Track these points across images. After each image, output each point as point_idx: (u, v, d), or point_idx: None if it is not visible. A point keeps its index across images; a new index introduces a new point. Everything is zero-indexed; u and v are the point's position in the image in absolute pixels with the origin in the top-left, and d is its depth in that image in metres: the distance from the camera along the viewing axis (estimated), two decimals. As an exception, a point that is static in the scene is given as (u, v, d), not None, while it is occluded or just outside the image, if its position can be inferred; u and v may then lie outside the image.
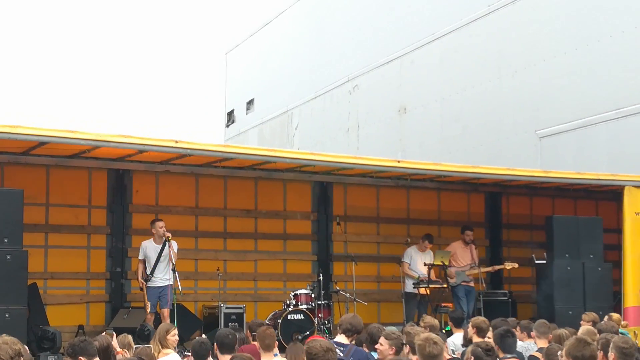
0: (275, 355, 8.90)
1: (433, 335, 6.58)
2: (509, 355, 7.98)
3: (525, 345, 9.94)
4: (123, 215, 14.84)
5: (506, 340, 8.11)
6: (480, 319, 9.92)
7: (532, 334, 10.08)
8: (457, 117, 20.98)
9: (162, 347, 9.36)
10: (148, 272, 13.16)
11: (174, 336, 9.43)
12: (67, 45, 40.48)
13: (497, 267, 16.26)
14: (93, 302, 14.63)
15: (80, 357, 7.01)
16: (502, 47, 19.78)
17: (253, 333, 9.74)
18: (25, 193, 11.94)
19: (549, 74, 18.43)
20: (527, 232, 18.05)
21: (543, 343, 9.39)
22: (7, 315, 11.16)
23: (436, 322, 10.45)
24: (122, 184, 14.85)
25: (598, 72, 17.40)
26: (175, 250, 13.24)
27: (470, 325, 9.90)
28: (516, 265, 16.06)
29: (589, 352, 6.51)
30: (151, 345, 12.11)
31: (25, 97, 38.39)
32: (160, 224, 13.32)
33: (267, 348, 8.17)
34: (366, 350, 8.32)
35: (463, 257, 15.76)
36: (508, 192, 17.92)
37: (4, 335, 6.11)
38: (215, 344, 8.13)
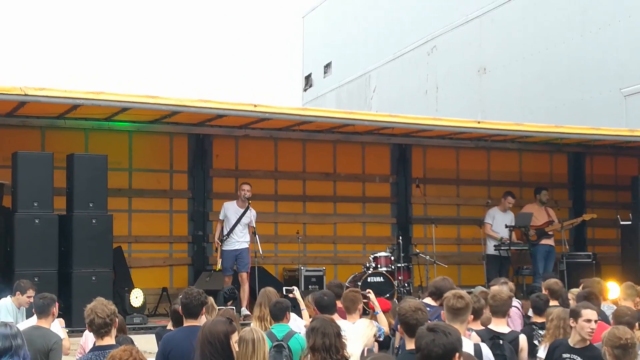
0: (376, 313, 8.90)
1: (462, 291, 6.49)
2: (593, 318, 7.82)
3: (605, 307, 9.76)
4: (204, 179, 15.02)
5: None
6: (553, 280, 9.73)
7: (617, 297, 9.89)
8: (538, 76, 20.54)
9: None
10: (225, 233, 13.31)
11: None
12: (146, 10, 40.99)
13: (577, 219, 15.94)
14: (176, 265, 14.90)
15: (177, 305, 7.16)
16: (586, 2, 19.24)
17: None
18: (108, 158, 12.22)
19: (634, 30, 17.85)
20: (612, 193, 17.66)
21: (629, 305, 9.18)
22: (93, 278, 11.50)
23: (511, 285, 10.23)
24: (203, 149, 15.01)
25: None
26: (254, 215, 13.39)
27: (542, 286, 9.73)
28: (595, 216, 15.81)
29: None
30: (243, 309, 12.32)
31: (109, 64, 39.10)
32: (246, 187, 13.46)
33: (347, 311, 8.21)
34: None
35: (539, 218, 15.49)
36: (592, 152, 17.53)
37: (98, 297, 6.39)
38: (314, 306, 8.16)
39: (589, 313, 6.88)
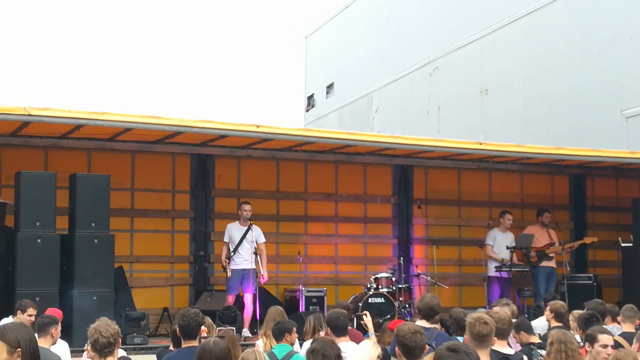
0: (367, 335, 8.90)
1: (485, 315, 6.46)
2: (593, 340, 7.82)
3: (609, 329, 9.73)
4: (206, 199, 15.06)
5: (591, 326, 7.95)
6: (560, 304, 9.74)
7: (618, 318, 9.87)
8: (540, 97, 20.61)
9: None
10: (231, 252, 13.34)
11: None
12: (150, 30, 41.18)
13: (578, 242, 15.96)
14: (177, 285, 14.90)
15: (176, 326, 7.24)
16: (587, 25, 19.33)
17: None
18: (111, 178, 12.27)
19: (634, 53, 17.93)
20: (613, 215, 17.68)
21: (629, 327, 9.17)
22: (94, 298, 11.50)
23: (514, 307, 10.24)
24: (205, 169, 15.06)
25: (687, 49, 16.85)
26: (259, 237, 13.42)
27: (548, 309, 9.74)
28: (596, 239, 15.81)
29: None
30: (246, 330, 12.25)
31: (113, 85, 39.25)
32: (246, 207, 13.52)
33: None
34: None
35: (540, 239, 15.50)
36: (593, 174, 17.56)
37: (102, 317, 6.43)
38: (328, 326, 8.13)
39: (605, 338, 6.89)
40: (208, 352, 5.66)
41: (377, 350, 7.10)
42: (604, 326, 9.44)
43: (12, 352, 4.25)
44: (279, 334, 8.20)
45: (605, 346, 6.85)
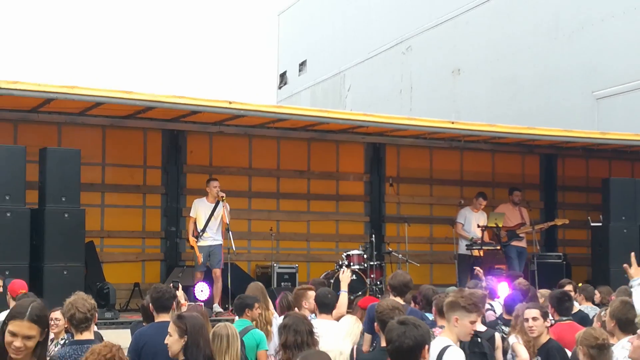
0: (338, 293, 8.90)
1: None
2: (564, 318, 7.91)
3: (582, 308, 9.83)
4: (177, 175, 14.98)
5: (563, 304, 8.03)
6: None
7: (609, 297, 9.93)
8: (512, 78, 20.70)
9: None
10: (199, 229, 13.21)
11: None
12: (122, 7, 40.80)
13: (549, 223, 16.11)
14: (148, 260, 14.85)
15: (147, 301, 7.27)
16: (558, 7, 19.41)
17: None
18: (82, 153, 12.15)
19: (606, 35, 18.05)
20: (582, 195, 17.84)
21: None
22: (65, 273, 11.43)
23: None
24: (177, 145, 14.98)
25: (658, 31, 16.97)
26: (228, 211, 13.29)
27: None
28: (567, 221, 15.94)
29: (632, 315, 6.44)
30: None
31: (84, 59, 38.86)
32: (215, 183, 13.33)
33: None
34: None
35: (512, 218, 15.62)
36: (564, 154, 17.69)
37: (78, 291, 6.35)
38: (315, 303, 8.09)
39: (527, 312, 7.18)
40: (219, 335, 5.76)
41: (360, 327, 7.12)
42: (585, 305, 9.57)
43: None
44: (240, 309, 8.11)
45: (527, 320, 7.11)
